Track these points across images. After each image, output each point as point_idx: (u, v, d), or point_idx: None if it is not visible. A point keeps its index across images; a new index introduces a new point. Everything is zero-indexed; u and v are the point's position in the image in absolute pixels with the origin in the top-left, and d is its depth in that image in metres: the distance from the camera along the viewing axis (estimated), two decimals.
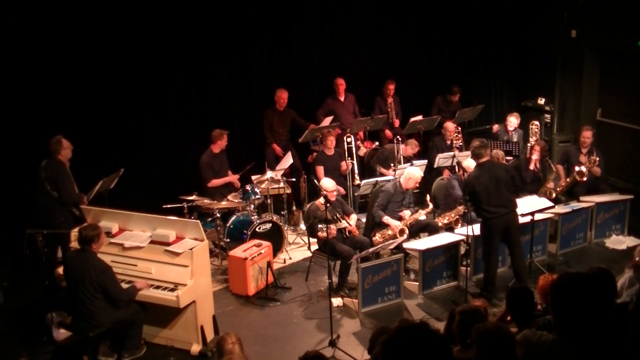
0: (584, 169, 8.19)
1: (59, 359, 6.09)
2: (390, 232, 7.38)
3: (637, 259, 5.37)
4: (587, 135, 8.55)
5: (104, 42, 8.13)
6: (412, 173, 7.52)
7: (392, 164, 8.91)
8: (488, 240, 6.80)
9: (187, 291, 5.82)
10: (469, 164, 7.78)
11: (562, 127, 11.14)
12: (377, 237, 7.37)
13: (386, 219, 7.42)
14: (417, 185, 7.59)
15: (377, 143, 9.86)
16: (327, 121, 9.29)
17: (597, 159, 8.34)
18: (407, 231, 7.34)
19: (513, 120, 9.54)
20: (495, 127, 10.09)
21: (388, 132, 10.10)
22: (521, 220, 7.24)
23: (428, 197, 7.69)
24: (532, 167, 8.54)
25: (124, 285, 5.80)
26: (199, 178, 8.19)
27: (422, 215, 7.59)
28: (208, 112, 9.13)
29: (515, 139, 9.38)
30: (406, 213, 7.49)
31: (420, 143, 9.50)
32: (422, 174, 7.65)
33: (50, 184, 6.81)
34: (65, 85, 7.99)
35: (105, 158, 8.16)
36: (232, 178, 8.35)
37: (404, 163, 8.86)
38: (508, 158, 8.92)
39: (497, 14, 11.19)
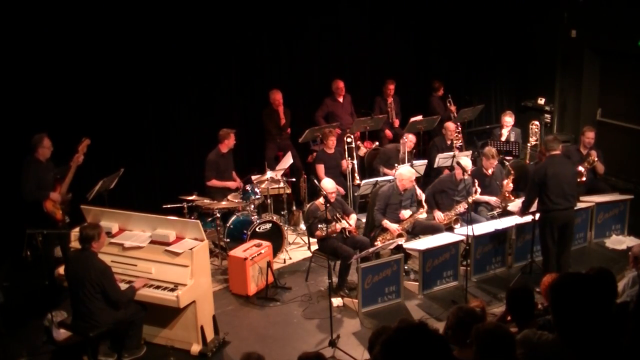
0: (582, 169, 8.18)
1: (59, 359, 6.09)
2: (389, 236, 7.36)
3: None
4: (590, 136, 8.47)
5: (105, 41, 8.14)
6: (400, 173, 7.49)
7: (395, 164, 8.90)
8: (545, 232, 6.79)
9: (187, 291, 5.82)
10: (467, 163, 7.76)
11: (562, 127, 11.14)
12: (378, 243, 7.32)
13: (385, 222, 7.40)
14: (413, 183, 7.55)
15: (377, 143, 9.85)
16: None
17: (596, 159, 8.30)
18: (405, 235, 7.31)
19: (508, 120, 9.51)
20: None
21: (388, 132, 10.10)
22: (522, 220, 7.26)
23: (423, 198, 7.64)
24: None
25: (124, 286, 5.80)
26: (200, 176, 8.20)
27: (421, 214, 7.55)
28: (208, 113, 9.13)
29: (512, 139, 9.35)
30: (405, 213, 7.46)
31: (420, 143, 9.48)
32: (413, 172, 7.56)
33: None
34: (66, 86, 8.00)
35: (105, 158, 8.16)
36: (232, 185, 8.34)
37: (407, 162, 8.83)
38: (508, 158, 8.92)
39: (498, 14, 11.19)
